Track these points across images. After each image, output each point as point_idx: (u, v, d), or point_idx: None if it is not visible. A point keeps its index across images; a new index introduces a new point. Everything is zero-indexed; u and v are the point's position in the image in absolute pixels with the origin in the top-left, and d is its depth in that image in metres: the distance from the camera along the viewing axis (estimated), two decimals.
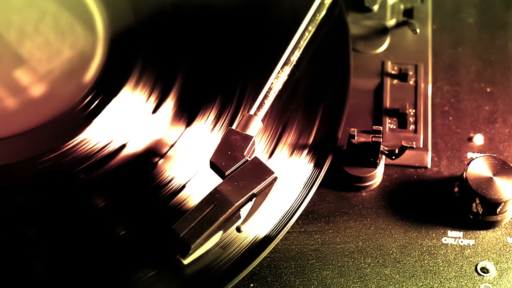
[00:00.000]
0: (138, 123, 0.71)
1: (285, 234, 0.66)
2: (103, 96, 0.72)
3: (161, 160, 0.69)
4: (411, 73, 0.76)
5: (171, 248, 0.62)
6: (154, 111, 0.71)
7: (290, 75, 0.71)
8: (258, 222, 0.65)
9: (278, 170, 0.64)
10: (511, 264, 0.67)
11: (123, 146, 0.69)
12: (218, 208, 0.61)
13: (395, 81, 0.76)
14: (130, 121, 0.71)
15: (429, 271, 0.66)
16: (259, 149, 0.70)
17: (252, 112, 0.68)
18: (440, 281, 0.66)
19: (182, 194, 0.67)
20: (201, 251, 0.62)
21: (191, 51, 0.75)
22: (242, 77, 0.73)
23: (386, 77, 0.76)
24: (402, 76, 0.76)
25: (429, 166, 0.72)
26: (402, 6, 0.81)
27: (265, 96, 0.69)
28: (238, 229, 0.61)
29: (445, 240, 0.68)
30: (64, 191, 0.67)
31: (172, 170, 0.68)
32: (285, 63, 0.71)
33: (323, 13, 0.75)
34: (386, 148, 0.70)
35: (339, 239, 0.68)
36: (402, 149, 0.68)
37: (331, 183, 0.71)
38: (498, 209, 0.67)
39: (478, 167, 0.67)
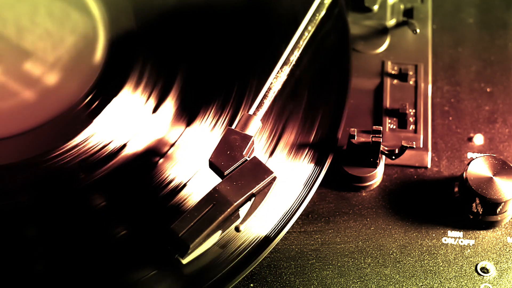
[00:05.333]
0: (138, 123, 0.71)
1: (285, 234, 0.66)
2: (103, 96, 0.72)
3: (161, 160, 0.69)
4: (411, 73, 0.76)
5: (170, 247, 0.62)
6: (154, 110, 0.72)
7: (290, 75, 0.71)
8: (258, 222, 0.65)
9: (278, 170, 0.64)
10: (511, 264, 0.67)
11: (124, 146, 0.69)
12: (217, 208, 0.61)
13: (395, 81, 0.76)
14: (130, 121, 0.71)
15: (429, 271, 0.66)
16: (259, 148, 0.70)
17: (251, 111, 0.68)
18: (440, 281, 0.66)
19: (182, 194, 0.67)
20: (200, 251, 0.62)
21: (191, 51, 0.75)
22: (241, 77, 0.73)
23: (386, 77, 0.76)
24: (402, 76, 0.76)
25: (429, 166, 0.72)
26: (402, 6, 0.81)
27: (265, 96, 0.69)
28: (237, 229, 0.61)
29: (445, 240, 0.68)
30: (64, 191, 0.67)
31: (172, 170, 0.68)
32: (285, 63, 0.71)
33: (323, 13, 0.75)
34: (386, 148, 0.69)
35: (339, 239, 0.68)
36: (402, 149, 0.68)
37: (331, 183, 0.71)
38: (498, 209, 0.67)
39: (478, 167, 0.67)
